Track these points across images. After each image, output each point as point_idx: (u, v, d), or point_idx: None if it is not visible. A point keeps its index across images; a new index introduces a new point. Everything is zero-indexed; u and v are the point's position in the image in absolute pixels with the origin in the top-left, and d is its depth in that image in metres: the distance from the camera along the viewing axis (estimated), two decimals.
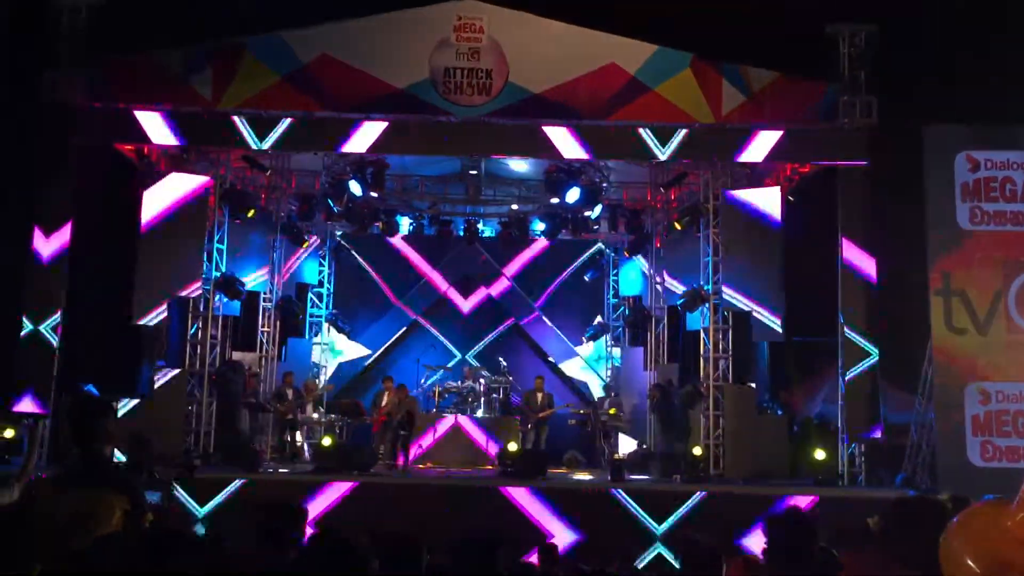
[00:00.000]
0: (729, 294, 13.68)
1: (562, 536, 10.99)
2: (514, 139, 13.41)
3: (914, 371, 12.62)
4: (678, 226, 14.92)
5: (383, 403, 14.42)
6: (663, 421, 14.57)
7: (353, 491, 11.37)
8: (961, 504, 4.34)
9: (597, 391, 17.59)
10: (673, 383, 14.95)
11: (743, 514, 10.73)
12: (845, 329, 12.90)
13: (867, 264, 12.95)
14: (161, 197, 13.42)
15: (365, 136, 13.11)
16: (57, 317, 12.47)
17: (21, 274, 12.59)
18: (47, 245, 12.53)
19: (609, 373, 18.02)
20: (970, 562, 2.93)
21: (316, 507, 11.02)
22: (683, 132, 13.12)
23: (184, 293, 13.71)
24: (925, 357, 12.38)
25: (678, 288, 14.82)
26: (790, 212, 13.76)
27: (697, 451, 13.39)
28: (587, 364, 18.18)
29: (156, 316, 13.34)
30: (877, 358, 12.80)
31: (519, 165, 15.17)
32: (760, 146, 13.14)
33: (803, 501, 11.15)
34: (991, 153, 12.49)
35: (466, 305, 18.40)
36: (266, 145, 13.10)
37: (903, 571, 3.51)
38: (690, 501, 11.39)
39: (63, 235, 12.57)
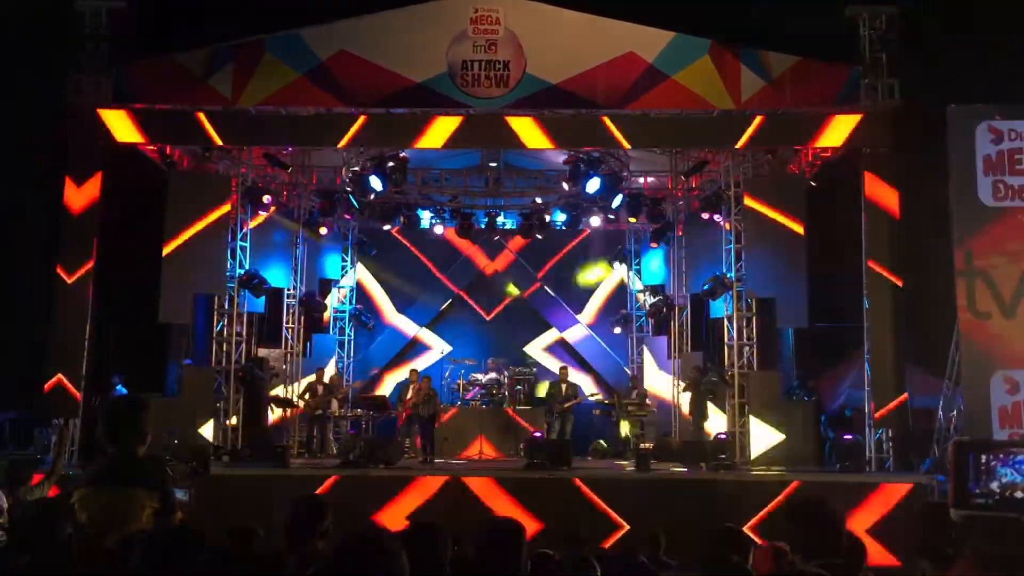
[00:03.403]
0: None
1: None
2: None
3: (941, 354, 12.48)
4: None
5: (408, 396, 14.49)
6: (696, 406, 14.49)
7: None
8: None
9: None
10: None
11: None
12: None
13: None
14: (184, 196, 13.51)
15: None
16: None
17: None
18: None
19: (633, 363, 17.92)
20: None
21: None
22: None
23: (208, 292, 13.84)
24: (952, 340, 12.23)
25: None
26: (813, 200, 13.68)
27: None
28: (609, 351, 18.04)
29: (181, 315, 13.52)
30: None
31: (538, 156, 15.13)
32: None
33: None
34: (1016, 123, 12.09)
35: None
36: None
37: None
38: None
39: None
